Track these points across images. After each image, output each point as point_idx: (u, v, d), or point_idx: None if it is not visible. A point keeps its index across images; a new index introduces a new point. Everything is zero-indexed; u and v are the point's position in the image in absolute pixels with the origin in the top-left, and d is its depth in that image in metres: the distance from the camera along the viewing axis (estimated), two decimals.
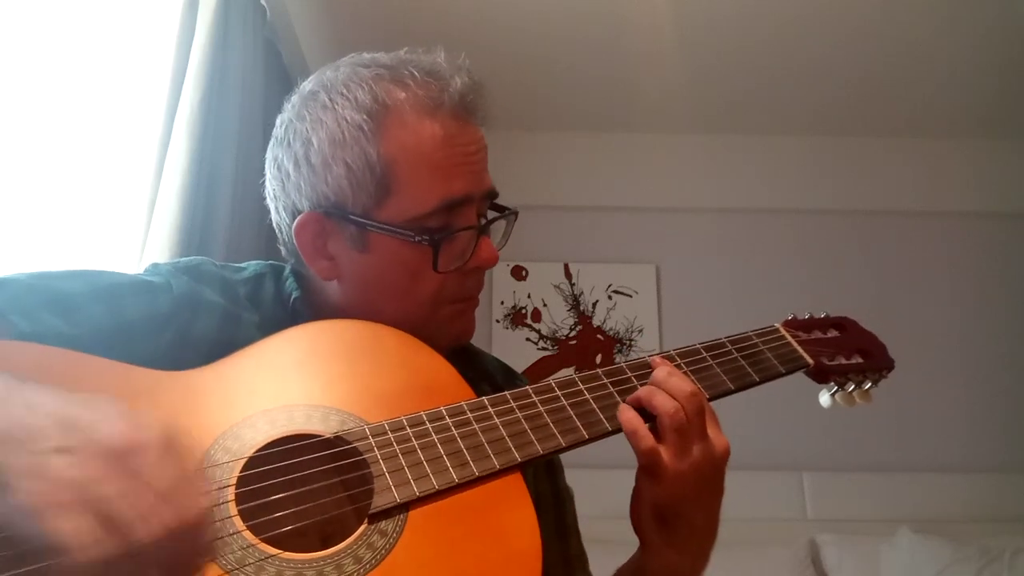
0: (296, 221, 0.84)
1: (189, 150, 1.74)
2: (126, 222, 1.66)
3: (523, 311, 3.54)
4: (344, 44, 2.82)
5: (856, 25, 2.87)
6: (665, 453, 0.74)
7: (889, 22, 2.85)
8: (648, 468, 0.75)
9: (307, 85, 0.87)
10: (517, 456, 0.72)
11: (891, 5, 2.76)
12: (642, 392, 0.78)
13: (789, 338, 0.94)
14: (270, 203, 0.90)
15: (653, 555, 0.80)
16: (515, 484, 0.71)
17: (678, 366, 0.84)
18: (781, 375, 0.90)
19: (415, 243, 0.80)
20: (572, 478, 1.03)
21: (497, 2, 2.79)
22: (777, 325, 0.96)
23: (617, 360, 3.48)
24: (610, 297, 3.56)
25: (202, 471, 0.54)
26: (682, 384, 0.76)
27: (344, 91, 0.82)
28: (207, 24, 1.87)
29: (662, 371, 0.79)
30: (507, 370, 1.04)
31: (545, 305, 3.55)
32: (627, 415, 0.76)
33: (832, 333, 1.00)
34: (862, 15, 2.81)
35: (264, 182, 0.90)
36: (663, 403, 0.75)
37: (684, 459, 0.74)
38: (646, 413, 0.77)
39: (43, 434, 0.49)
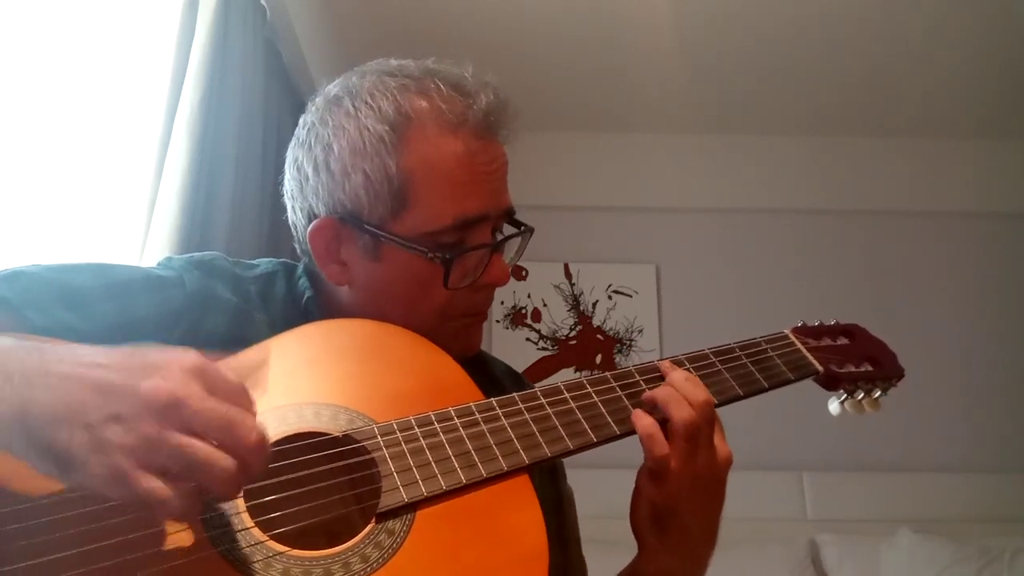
0: (312, 225, 0.84)
1: (189, 150, 1.74)
2: (126, 222, 1.65)
3: (523, 311, 3.55)
4: (344, 44, 2.85)
5: (856, 25, 2.87)
6: (673, 459, 0.74)
7: (889, 22, 2.86)
8: (655, 472, 0.75)
9: (332, 89, 0.87)
10: (525, 458, 0.72)
11: (891, 5, 2.76)
12: (659, 394, 0.77)
13: (799, 345, 0.93)
14: (287, 201, 0.90)
15: (649, 558, 0.80)
16: (522, 486, 0.71)
17: (688, 371, 0.83)
18: (790, 382, 0.90)
19: (427, 258, 0.80)
20: (572, 478, 1.03)
21: (496, 2, 2.79)
22: (787, 331, 0.96)
23: (617, 360, 3.48)
24: (610, 297, 3.56)
25: (242, 392, 0.57)
26: (699, 392, 0.76)
27: (368, 100, 0.82)
28: (207, 24, 1.87)
29: (679, 375, 0.79)
30: (516, 376, 1.04)
31: (545, 305, 3.56)
32: (644, 420, 0.76)
33: (842, 340, 0.99)
34: (862, 15, 2.81)
35: (283, 179, 0.90)
36: (680, 410, 0.75)
37: (688, 465, 0.74)
38: (655, 414, 0.77)
39: (90, 407, 0.52)
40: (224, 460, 0.52)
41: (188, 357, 0.55)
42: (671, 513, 0.77)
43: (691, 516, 0.77)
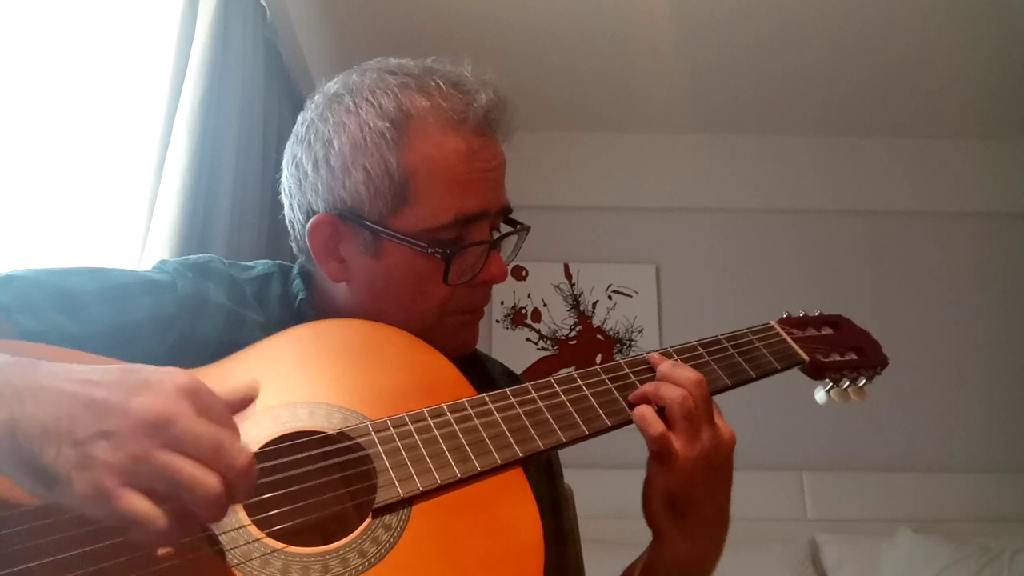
0: (310, 221, 0.85)
1: (189, 150, 1.74)
2: (126, 222, 1.65)
3: (523, 311, 3.55)
4: (344, 44, 2.85)
5: (856, 25, 2.87)
6: (676, 439, 0.75)
7: (889, 22, 2.85)
8: (659, 455, 0.75)
9: (332, 86, 0.88)
10: (518, 451, 0.72)
11: (891, 5, 2.76)
12: (648, 387, 0.79)
13: (784, 335, 0.95)
14: (284, 199, 0.90)
15: (666, 546, 0.80)
16: (516, 479, 0.71)
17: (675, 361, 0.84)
18: (776, 371, 0.91)
19: (427, 254, 0.81)
20: (573, 478, 1.03)
21: (496, 2, 2.79)
22: (773, 323, 0.97)
23: (617, 360, 3.47)
24: (610, 297, 3.56)
25: (229, 416, 0.56)
26: (688, 372, 0.78)
27: (369, 97, 0.83)
28: (207, 24, 1.87)
29: (666, 364, 0.80)
30: (513, 377, 1.04)
31: (545, 305, 3.56)
32: (638, 408, 0.77)
33: (826, 331, 1.01)
34: (862, 15, 2.81)
35: (280, 177, 0.91)
36: (670, 391, 0.76)
37: (694, 445, 0.75)
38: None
39: (79, 424, 0.51)
40: (211, 481, 0.51)
41: (180, 376, 0.55)
42: (687, 498, 0.77)
43: (706, 498, 0.78)
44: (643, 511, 0.80)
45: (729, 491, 0.81)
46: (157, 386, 0.53)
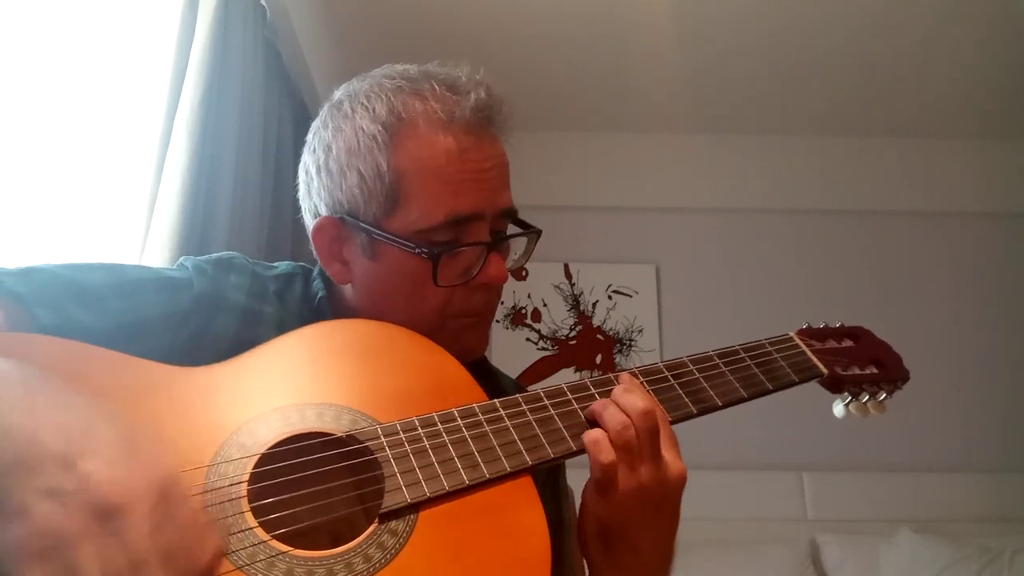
0: (314, 224, 0.87)
1: (189, 150, 1.73)
2: (126, 222, 1.65)
3: (523, 311, 3.55)
4: (344, 44, 2.85)
5: (857, 25, 2.87)
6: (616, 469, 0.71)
7: (890, 22, 2.86)
8: (602, 484, 0.71)
9: (336, 94, 0.90)
10: (528, 459, 0.72)
11: (892, 5, 2.76)
12: (596, 405, 0.75)
13: (803, 347, 0.93)
14: (302, 203, 0.92)
15: None
16: (525, 487, 0.71)
17: (689, 372, 0.83)
18: (795, 384, 0.89)
19: (417, 255, 0.81)
20: (574, 478, 1.02)
21: (496, 2, 2.79)
22: (791, 334, 0.95)
23: (617, 360, 3.48)
24: (610, 297, 3.56)
25: (204, 523, 0.51)
26: (635, 400, 0.73)
27: (364, 101, 0.84)
28: (207, 24, 1.87)
29: (619, 388, 0.76)
30: (521, 391, 1.03)
31: (545, 305, 3.56)
32: (592, 431, 0.73)
33: (847, 343, 0.99)
34: (863, 15, 2.81)
35: (298, 185, 0.92)
36: (613, 418, 0.72)
37: (630, 478, 0.71)
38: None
39: (41, 469, 0.47)
40: None
41: (170, 474, 0.50)
42: (617, 532, 0.73)
43: (639, 535, 0.73)
44: (577, 537, 0.77)
45: (671, 529, 0.75)
46: (137, 467, 0.49)
